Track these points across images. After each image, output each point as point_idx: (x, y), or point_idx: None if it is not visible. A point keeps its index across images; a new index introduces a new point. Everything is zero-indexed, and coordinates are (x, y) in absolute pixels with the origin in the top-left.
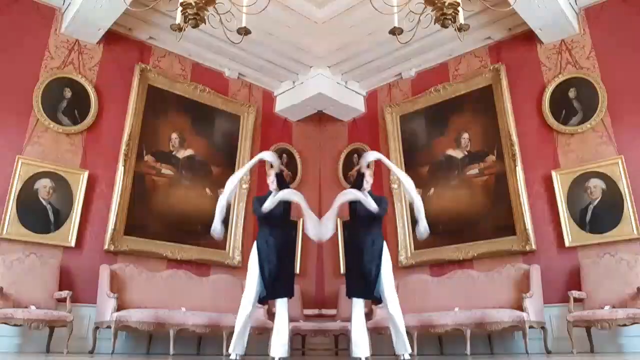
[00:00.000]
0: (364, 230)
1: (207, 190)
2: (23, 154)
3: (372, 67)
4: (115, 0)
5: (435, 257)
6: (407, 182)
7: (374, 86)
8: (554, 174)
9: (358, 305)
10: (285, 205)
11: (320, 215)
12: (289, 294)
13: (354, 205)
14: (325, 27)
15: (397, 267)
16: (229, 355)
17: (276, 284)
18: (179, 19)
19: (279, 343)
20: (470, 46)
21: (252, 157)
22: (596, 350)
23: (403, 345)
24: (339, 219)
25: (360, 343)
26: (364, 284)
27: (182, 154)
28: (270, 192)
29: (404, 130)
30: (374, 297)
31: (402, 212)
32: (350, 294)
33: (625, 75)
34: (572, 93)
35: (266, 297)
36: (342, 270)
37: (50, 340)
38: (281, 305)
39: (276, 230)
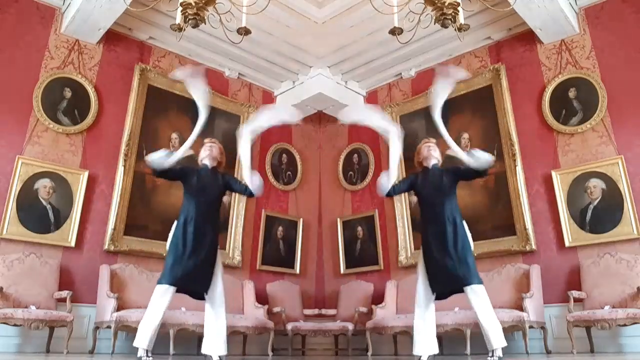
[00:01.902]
0: (437, 209)
1: None
2: (23, 154)
3: (372, 67)
4: (115, 0)
5: None
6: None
7: (374, 86)
8: (554, 173)
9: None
10: (223, 189)
11: (321, 215)
12: (207, 289)
13: (417, 186)
14: (325, 27)
15: (397, 267)
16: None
17: (196, 273)
18: (179, 19)
19: (221, 340)
20: (470, 46)
21: (252, 157)
22: (596, 350)
23: (489, 341)
24: (338, 219)
25: (428, 340)
26: (443, 276)
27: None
28: (204, 169)
29: (404, 130)
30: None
31: (402, 212)
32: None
33: (625, 75)
34: (572, 93)
35: (181, 285)
36: (342, 270)
37: (50, 340)
38: (218, 308)
39: (204, 212)
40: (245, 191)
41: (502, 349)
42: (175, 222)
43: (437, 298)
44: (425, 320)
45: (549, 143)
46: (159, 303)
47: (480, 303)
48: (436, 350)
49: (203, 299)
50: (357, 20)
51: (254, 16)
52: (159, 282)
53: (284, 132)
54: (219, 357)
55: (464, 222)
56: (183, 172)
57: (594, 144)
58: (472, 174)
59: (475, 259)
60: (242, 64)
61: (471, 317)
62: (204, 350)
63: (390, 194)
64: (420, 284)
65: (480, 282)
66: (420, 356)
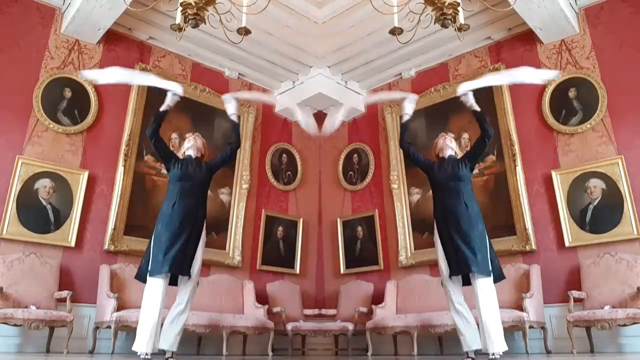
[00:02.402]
0: (452, 194)
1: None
2: (23, 154)
3: (372, 67)
4: (115, 0)
5: (435, 257)
6: None
7: (374, 86)
8: (554, 173)
9: (454, 289)
10: (208, 175)
11: (321, 214)
12: (188, 272)
13: (433, 172)
14: (325, 27)
15: (397, 267)
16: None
17: (179, 257)
18: (179, 19)
19: (173, 333)
20: (470, 46)
21: (252, 157)
22: (596, 350)
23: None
24: (338, 219)
25: (468, 334)
26: (462, 257)
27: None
28: (188, 157)
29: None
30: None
31: (402, 212)
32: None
33: (625, 75)
34: (572, 93)
35: (166, 271)
36: (342, 270)
37: (50, 340)
38: (187, 288)
39: (189, 197)
40: (230, 149)
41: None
42: (160, 213)
43: (463, 284)
44: (465, 315)
45: (549, 143)
46: (155, 297)
47: (484, 298)
48: (479, 345)
49: (176, 284)
50: (357, 20)
51: (254, 16)
52: (150, 275)
53: (284, 132)
54: (172, 352)
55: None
56: (169, 152)
57: (594, 144)
58: (481, 142)
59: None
60: (242, 64)
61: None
62: (164, 345)
63: (405, 148)
64: (445, 279)
65: (489, 274)
66: (467, 352)
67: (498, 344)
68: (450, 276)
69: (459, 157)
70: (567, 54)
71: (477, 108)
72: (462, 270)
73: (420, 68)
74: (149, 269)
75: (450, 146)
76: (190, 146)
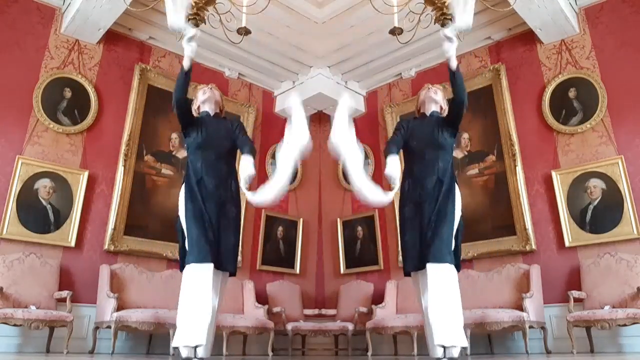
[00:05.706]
0: (425, 165)
1: None
2: (23, 154)
3: (372, 67)
4: (115, 0)
5: None
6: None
7: (374, 86)
8: (554, 173)
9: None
10: (233, 138)
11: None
12: (234, 267)
13: (408, 137)
14: (325, 27)
15: (397, 267)
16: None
17: (218, 247)
18: None
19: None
20: (470, 46)
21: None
22: (596, 350)
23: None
24: (338, 219)
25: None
26: (420, 248)
27: (182, 154)
28: (206, 116)
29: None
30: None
31: None
32: (407, 267)
33: (625, 75)
34: (572, 93)
35: (213, 260)
36: (342, 270)
37: (50, 340)
38: (221, 281)
39: (215, 167)
40: (243, 149)
41: (503, 347)
42: (183, 187)
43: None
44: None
45: (549, 143)
46: (191, 287)
47: (448, 286)
48: (449, 342)
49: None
50: (357, 20)
51: (254, 16)
52: (187, 262)
53: (284, 132)
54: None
55: (457, 189)
56: (190, 117)
57: (594, 144)
58: (453, 107)
59: (476, 258)
60: (242, 64)
61: (470, 317)
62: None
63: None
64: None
65: (452, 262)
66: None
67: (459, 336)
68: (405, 273)
69: (444, 114)
70: (567, 54)
71: (454, 63)
72: (415, 265)
73: (420, 68)
74: (189, 253)
75: (434, 99)
76: (206, 99)
